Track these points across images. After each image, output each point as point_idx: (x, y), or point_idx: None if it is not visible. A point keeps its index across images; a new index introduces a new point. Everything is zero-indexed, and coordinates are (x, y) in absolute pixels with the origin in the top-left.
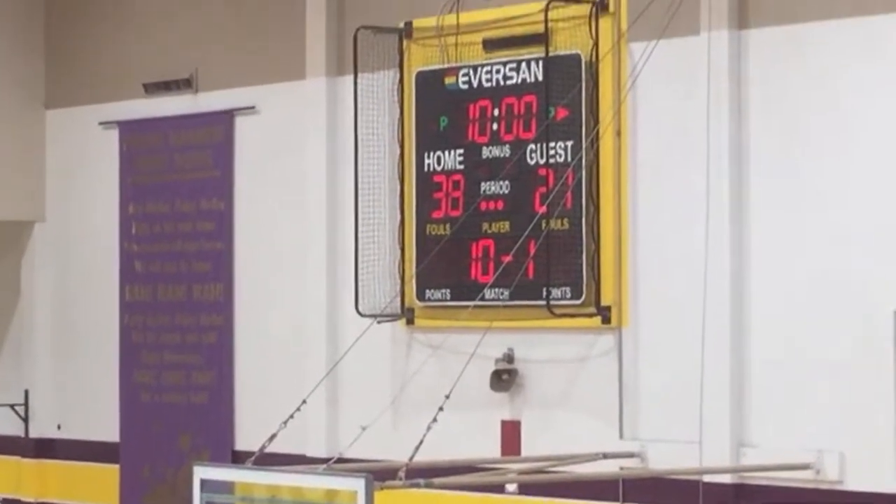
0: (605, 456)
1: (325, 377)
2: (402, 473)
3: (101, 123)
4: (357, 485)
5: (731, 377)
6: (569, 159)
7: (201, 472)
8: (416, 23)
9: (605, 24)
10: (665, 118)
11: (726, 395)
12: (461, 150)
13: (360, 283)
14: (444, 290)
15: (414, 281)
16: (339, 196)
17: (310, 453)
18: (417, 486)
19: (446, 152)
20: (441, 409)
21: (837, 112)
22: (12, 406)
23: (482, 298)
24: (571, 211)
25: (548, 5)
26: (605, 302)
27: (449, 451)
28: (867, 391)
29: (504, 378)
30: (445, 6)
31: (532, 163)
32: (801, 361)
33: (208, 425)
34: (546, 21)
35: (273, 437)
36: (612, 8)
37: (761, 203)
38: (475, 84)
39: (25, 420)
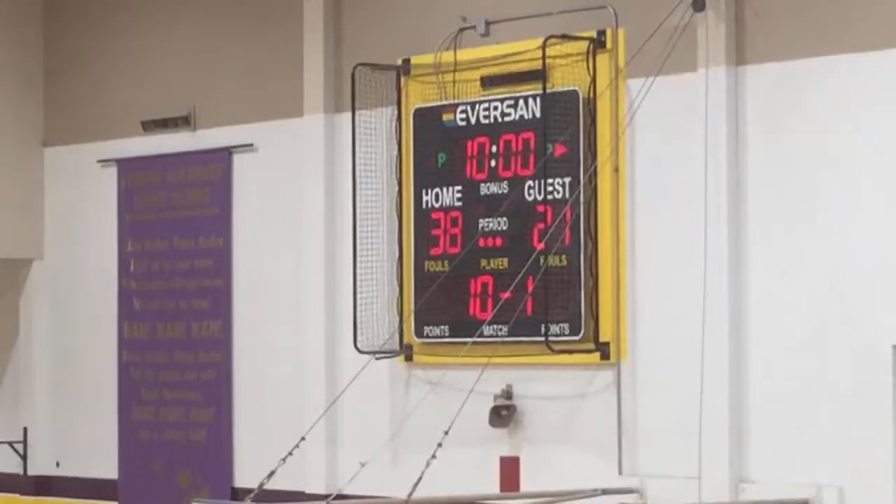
0: (605, 492)
1: (323, 414)
2: None
3: (99, 161)
4: None
5: (730, 412)
6: (567, 196)
7: None
8: (414, 60)
9: (602, 60)
10: (663, 154)
11: (725, 431)
12: (459, 187)
13: (358, 320)
14: (442, 327)
15: (412, 317)
16: (338, 233)
17: (309, 490)
18: None
19: (444, 189)
20: (440, 445)
21: (835, 147)
22: (11, 444)
23: (481, 335)
24: (570, 247)
25: (545, 42)
26: (603, 338)
27: (448, 487)
28: (866, 426)
29: (503, 414)
30: (443, 43)
31: (530, 199)
32: (799, 397)
33: (207, 462)
34: (543, 58)
35: (272, 473)
36: (609, 44)
37: (759, 239)
38: (473, 121)
39: (24, 458)
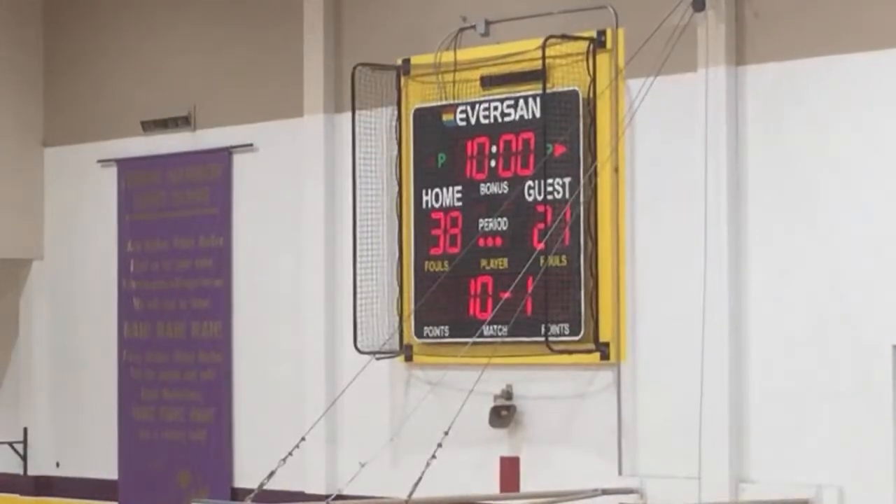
0: (605, 492)
1: (323, 414)
2: None
3: (99, 161)
4: None
5: (730, 413)
6: (567, 196)
7: None
8: (414, 60)
9: (602, 60)
10: (663, 154)
11: (725, 431)
12: (459, 187)
13: (358, 320)
14: (442, 327)
15: (412, 318)
16: (338, 233)
17: (309, 490)
18: None
19: (444, 189)
20: (440, 445)
21: (835, 147)
22: (11, 444)
23: (481, 335)
24: (569, 247)
25: (545, 42)
26: (603, 338)
27: (448, 488)
28: (866, 426)
29: (503, 414)
30: (443, 43)
31: (530, 199)
32: (799, 397)
33: (207, 462)
34: (543, 58)
35: (272, 474)
36: (609, 44)
37: (759, 239)
38: (473, 121)
39: (24, 458)
